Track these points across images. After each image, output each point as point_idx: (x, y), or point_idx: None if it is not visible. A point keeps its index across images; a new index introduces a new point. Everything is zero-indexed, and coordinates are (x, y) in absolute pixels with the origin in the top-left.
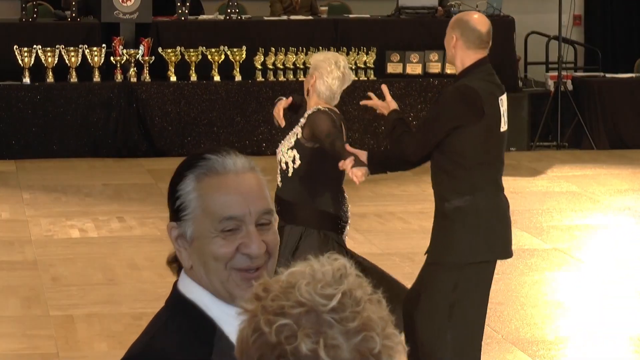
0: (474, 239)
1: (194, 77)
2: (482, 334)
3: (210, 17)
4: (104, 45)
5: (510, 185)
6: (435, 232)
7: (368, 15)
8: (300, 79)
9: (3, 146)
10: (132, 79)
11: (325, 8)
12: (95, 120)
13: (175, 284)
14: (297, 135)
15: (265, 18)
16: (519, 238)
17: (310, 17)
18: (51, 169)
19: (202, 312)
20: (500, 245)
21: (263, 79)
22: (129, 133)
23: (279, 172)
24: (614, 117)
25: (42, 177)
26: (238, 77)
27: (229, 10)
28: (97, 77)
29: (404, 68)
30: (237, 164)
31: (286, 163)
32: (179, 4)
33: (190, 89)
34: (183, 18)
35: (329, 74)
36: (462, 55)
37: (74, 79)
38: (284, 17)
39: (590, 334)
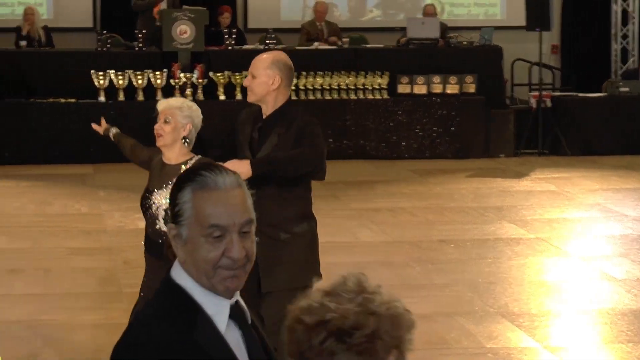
0: (313, 262)
1: (239, 96)
2: None
3: (252, 46)
4: (165, 70)
5: (500, 185)
6: (275, 261)
7: (382, 45)
8: (326, 98)
9: (83, 153)
10: (188, 98)
11: (347, 39)
12: None
13: (168, 271)
14: None
15: (297, 47)
16: (508, 229)
17: (334, 47)
18: (122, 171)
19: (188, 296)
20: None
21: (296, 98)
22: None
23: (160, 217)
24: (586, 129)
25: (115, 178)
26: None
27: (267, 41)
28: (159, 96)
29: (412, 89)
30: (227, 182)
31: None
32: (226, 36)
33: (235, 106)
34: (230, 47)
35: (199, 118)
36: (282, 93)
37: (140, 97)
38: (313, 47)
39: (566, 308)
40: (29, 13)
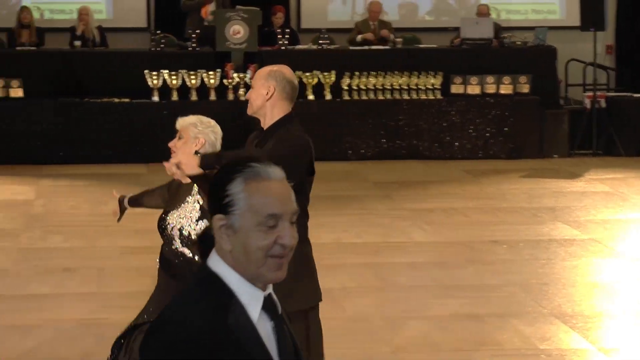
0: (302, 291)
1: None
2: None
3: (305, 46)
4: (218, 69)
5: (554, 186)
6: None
7: (435, 45)
8: (379, 98)
9: (137, 152)
10: (241, 98)
11: (400, 39)
12: None
13: (205, 261)
14: (199, 202)
15: (351, 48)
16: (561, 230)
17: (387, 47)
18: None
19: (224, 284)
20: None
21: (349, 98)
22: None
23: (177, 237)
24: None
25: (168, 177)
26: (328, 97)
27: (320, 42)
28: (212, 96)
29: (465, 89)
30: (276, 173)
31: (191, 231)
32: (279, 36)
33: None
34: (283, 47)
35: (217, 136)
36: (278, 105)
37: (193, 97)
38: (366, 47)
39: (620, 309)
40: (84, 13)
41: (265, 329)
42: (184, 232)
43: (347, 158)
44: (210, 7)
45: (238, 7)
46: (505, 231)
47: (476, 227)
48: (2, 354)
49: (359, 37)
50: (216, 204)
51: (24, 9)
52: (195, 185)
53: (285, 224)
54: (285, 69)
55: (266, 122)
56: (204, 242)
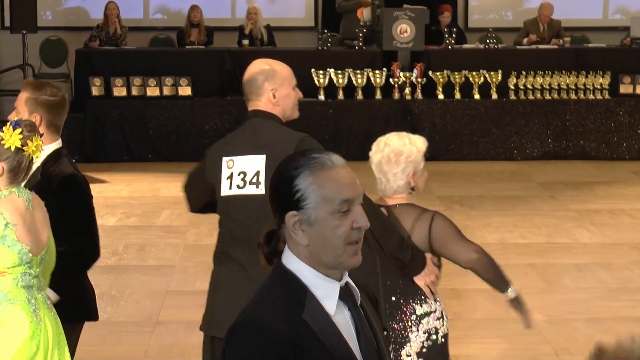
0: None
1: (458, 96)
2: None
3: (472, 46)
4: (384, 69)
5: None
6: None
7: (604, 45)
8: (546, 98)
9: None
10: (407, 97)
11: (568, 38)
12: (376, 131)
13: (279, 259)
14: None
15: (518, 47)
16: None
17: (555, 46)
18: None
19: (298, 280)
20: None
21: (515, 98)
22: None
23: None
24: None
25: None
26: (494, 96)
27: (487, 41)
28: (378, 95)
29: (634, 89)
30: (339, 160)
31: None
32: (446, 35)
33: (454, 105)
34: (450, 47)
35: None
36: None
37: (359, 96)
38: (534, 46)
39: None
40: (252, 12)
41: (343, 319)
42: None
43: (513, 158)
44: (366, 9)
45: (405, 6)
46: None
47: None
48: (167, 348)
49: (525, 41)
50: (285, 201)
51: (194, 7)
52: None
53: (357, 207)
54: (258, 64)
55: None
56: (269, 243)
